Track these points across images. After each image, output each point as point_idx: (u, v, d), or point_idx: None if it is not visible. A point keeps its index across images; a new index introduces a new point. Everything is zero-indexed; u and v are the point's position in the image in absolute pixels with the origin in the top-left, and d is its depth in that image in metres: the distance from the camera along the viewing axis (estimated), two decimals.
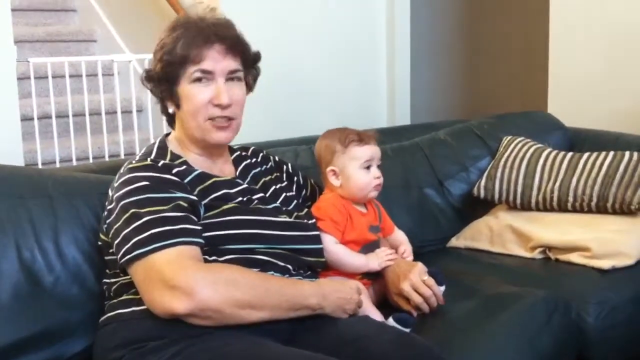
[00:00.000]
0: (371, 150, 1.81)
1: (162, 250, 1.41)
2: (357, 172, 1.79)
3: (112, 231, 1.50)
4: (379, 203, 1.92)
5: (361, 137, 1.80)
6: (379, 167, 1.83)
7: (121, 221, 1.47)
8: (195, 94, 1.58)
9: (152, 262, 1.41)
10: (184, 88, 1.59)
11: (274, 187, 1.75)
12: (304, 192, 1.89)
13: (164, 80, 1.60)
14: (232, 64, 1.61)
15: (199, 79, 1.58)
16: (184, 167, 1.59)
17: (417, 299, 1.72)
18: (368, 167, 1.80)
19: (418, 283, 1.72)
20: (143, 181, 1.50)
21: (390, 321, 1.64)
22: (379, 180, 1.82)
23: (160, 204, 1.47)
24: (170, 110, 1.64)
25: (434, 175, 2.56)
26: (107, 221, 1.54)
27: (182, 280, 1.37)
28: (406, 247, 1.88)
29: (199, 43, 1.57)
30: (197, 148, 1.65)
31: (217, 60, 1.58)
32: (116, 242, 1.48)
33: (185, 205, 1.50)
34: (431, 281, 1.73)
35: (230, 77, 1.61)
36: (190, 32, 1.58)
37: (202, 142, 1.63)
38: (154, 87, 1.64)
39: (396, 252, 1.84)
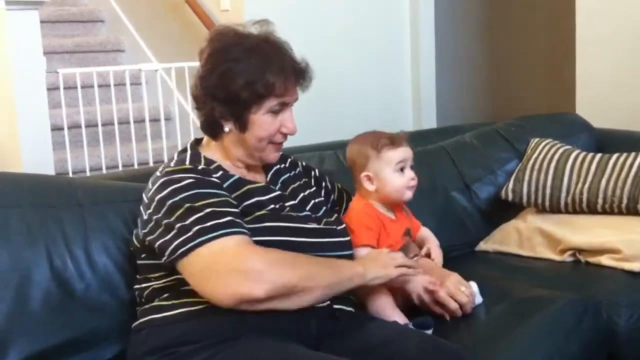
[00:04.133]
0: (404, 152, 1.81)
1: (228, 237, 1.43)
2: (392, 175, 1.79)
3: (161, 229, 1.48)
4: (404, 205, 1.91)
5: (393, 140, 1.80)
6: (411, 167, 1.83)
7: (174, 216, 1.46)
8: (269, 124, 1.60)
9: (220, 247, 1.43)
10: (259, 117, 1.59)
11: (303, 194, 1.76)
12: (332, 197, 1.89)
13: (238, 104, 1.58)
14: (298, 94, 1.66)
15: (276, 109, 1.60)
16: (221, 172, 1.60)
17: (453, 305, 1.72)
18: (402, 169, 1.81)
19: (455, 290, 1.73)
20: (188, 179, 1.52)
21: (410, 327, 1.64)
22: (414, 181, 1.82)
23: (214, 197, 1.49)
24: (227, 128, 1.61)
25: (460, 178, 2.54)
26: (153, 218, 1.51)
27: (255, 263, 1.41)
28: (430, 246, 1.87)
29: (284, 77, 1.58)
30: (242, 162, 1.66)
31: (292, 94, 1.63)
32: (169, 235, 1.46)
33: (235, 202, 1.53)
34: (468, 290, 1.75)
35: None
36: (273, 62, 1.57)
37: (255, 159, 1.66)
38: (215, 105, 1.59)
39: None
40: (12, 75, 2.94)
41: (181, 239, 1.44)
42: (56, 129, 3.37)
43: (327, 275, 1.51)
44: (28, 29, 2.95)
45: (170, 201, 1.48)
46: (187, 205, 1.47)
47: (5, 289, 1.57)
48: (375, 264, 1.61)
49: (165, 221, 1.48)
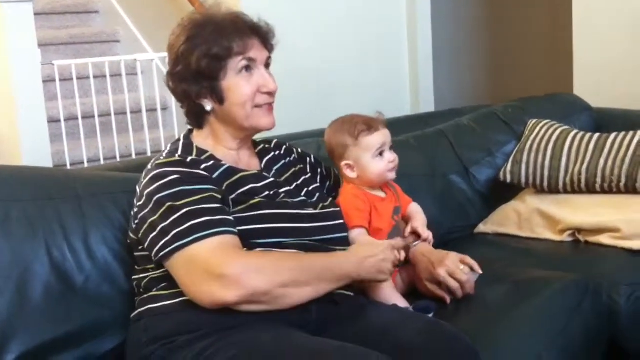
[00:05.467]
0: (382, 136, 1.79)
1: (203, 240, 1.43)
2: (372, 161, 1.79)
3: (146, 226, 1.50)
4: (393, 182, 1.91)
5: (369, 125, 1.79)
6: (391, 148, 1.82)
7: (157, 215, 1.48)
8: (243, 85, 1.59)
9: (195, 252, 1.42)
10: (231, 81, 1.59)
11: (298, 180, 1.76)
12: (327, 182, 1.89)
13: (205, 77, 1.58)
14: (267, 52, 1.64)
15: (246, 68, 1.59)
16: (212, 162, 1.59)
17: (453, 284, 1.73)
18: (381, 154, 1.80)
19: (454, 269, 1.73)
20: (174, 175, 1.52)
21: (411, 311, 1.64)
22: (393, 163, 1.81)
23: (195, 195, 1.48)
24: (209, 107, 1.61)
25: (459, 161, 2.54)
26: (139, 216, 1.53)
27: (228, 269, 1.39)
28: (414, 224, 1.85)
29: (240, 35, 1.58)
30: (235, 140, 1.66)
31: (259, 49, 1.61)
32: (152, 236, 1.48)
33: (219, 197, 1.52)
34: (467, 269, 1.75)
35: (266, 64, 1.64)
36: (226, 27, 1.58)
37: (249, 130, 1.65)
38: (188, 87, 1.60)
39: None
40: (7, 68, 2.93)
41: (161, 243, 1.46)
42: (53, 121, 3.35)
43: (312, 281, 1.47)
44: (22, 21, 2.93)
45: (155, 197, 1.49)
46: (169, 204, 1.47)
47: (6, 282, 1.57)
48: (369, 268, 1.55)
49: (150, 220, 1.49)
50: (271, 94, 1.63)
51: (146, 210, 1.51)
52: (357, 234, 1.71)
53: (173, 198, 1.48)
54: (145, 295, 1.55)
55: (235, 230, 1.49)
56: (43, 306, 1.58)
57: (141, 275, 1.58)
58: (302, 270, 1.47)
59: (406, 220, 1.88)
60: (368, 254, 1.56)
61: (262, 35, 1.64)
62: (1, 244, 1.59)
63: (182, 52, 1.59)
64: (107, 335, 1.64)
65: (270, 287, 1.41)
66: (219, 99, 1.60)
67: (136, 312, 1.55)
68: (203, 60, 1.57)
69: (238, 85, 1.59)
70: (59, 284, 1.61)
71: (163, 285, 1.51)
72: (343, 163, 1.81)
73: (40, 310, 1.58)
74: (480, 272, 1.77)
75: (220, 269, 1.39)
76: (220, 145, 1.66)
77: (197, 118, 1.66)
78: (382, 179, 1.81)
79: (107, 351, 1.64)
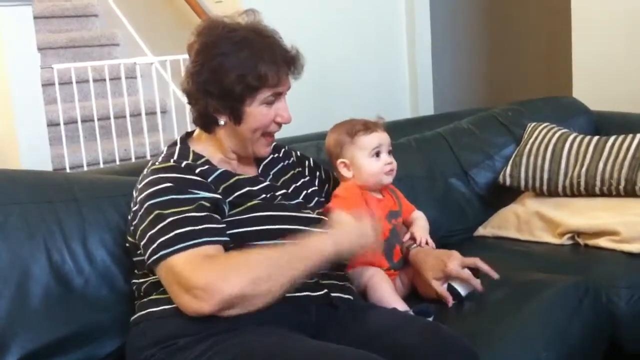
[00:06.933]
0: (379, 137, 1.81)
1: (185, 251, 1.43)
2: (367, 160, 1.80)
3: (139, 233, 1.51)
4: (395, 188, 1.91)
5: (367, 126, 1.81)
6: (390, 152, 1.83)
7: (146, 222, 1.49)
8: (264, 114, 1.60)
9: (173, 264, 1.43)
10: (254, 108, 1.59)
11: (295, 184, 1.76)
12: (326, 186, 1.89)
13: (232, 98, 1.57)
14: (290, 83, 1.65)
15: (270, 102, 1.60)
16: (207, 166, 1.59)
17: (466, 272, 1.74)
18: (378, 154, 1.81)
19: (465, 259, 1.74)
20: (166, 182, 1.52)
21: (411, 314, 1.64)
22: (390, 165, 1.82)
23: (184, 205, 1.48)
24: (222, 122, 1.61)
25: (458, 164, 2.55)
26: (133, 223, 1.55)
27: (197, 280, 1.39)
28: (413, 229, 1.86)
29: (276, 66, 1.58)
30: (235, 154, 1.66)
31: (286, 82, 1.62)
32: (142, 243, 1.49)
33: (208, 205, 1.51)
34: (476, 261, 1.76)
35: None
36: (262, 53, 1.57)
37: (248, 153, 1.65)
38: (210, 100, 1.58)
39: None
40: (7, 72, 2.93)
41: (149, 250, 1.46)
42: (52, 124, 3.36)
43: (289, 270, 1.45)
44: (22, 25, 2.94)
45: (146, 205, 1.50)
46: (157, 212, 1.47)
47: (5, 285, 1.57)
48: (348, 244, 1.54)
49: (141, 227, 1.50)
50: (282, 124, 1.64)
51: (138, 217, 1.52)
52: (337, 214, 1.68)
53: (161, 206, 1.48)
54: (145, 299, 1.55)
55: (218, 239, 1.48)
56: (42, 309, 1.58)
57: (141, 280, 1.58)
58: (272, 261, 1.44)
59: (408, 226, 1.89)
60: (345, 231, 1.56)
61: (292, 66, 1.63)
62: (0, 246, 1.59)
63: (213, 67, 1.56)
64: (106, 338, 1.64)
65: (243, 289, 1.38)
66: (237, 120, 1.60)
67: (136, 315, 1.55)
68: (237, 84, 1.56)
69: (259, 113, 1.60)
70: (58, 286, 1.61)
71: (162, 289, 1.51)
72: (339, 161, 1.83)
73: (39, 313, 1.58)
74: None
75: (189, 282, 1.39)
76: (220, 153, 1.66)
77: (206, 125, 1.65)
78: (377, 180, 1.82)
79: (106, 354, 1.64)
